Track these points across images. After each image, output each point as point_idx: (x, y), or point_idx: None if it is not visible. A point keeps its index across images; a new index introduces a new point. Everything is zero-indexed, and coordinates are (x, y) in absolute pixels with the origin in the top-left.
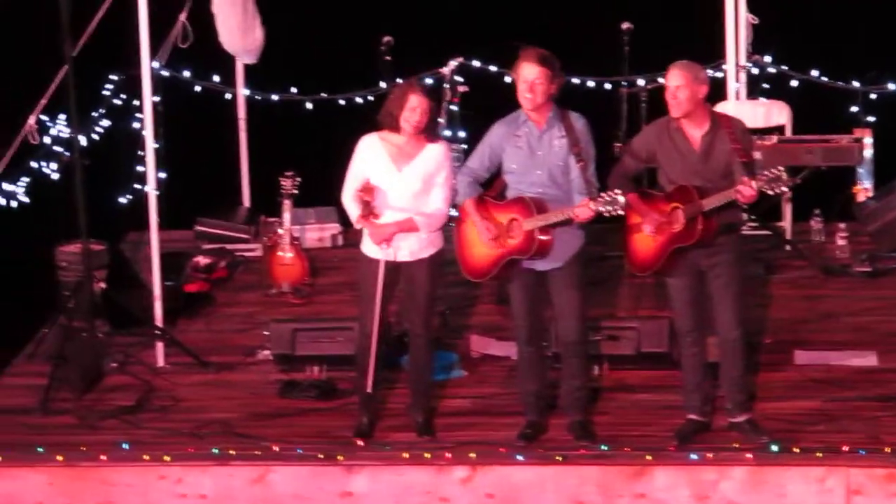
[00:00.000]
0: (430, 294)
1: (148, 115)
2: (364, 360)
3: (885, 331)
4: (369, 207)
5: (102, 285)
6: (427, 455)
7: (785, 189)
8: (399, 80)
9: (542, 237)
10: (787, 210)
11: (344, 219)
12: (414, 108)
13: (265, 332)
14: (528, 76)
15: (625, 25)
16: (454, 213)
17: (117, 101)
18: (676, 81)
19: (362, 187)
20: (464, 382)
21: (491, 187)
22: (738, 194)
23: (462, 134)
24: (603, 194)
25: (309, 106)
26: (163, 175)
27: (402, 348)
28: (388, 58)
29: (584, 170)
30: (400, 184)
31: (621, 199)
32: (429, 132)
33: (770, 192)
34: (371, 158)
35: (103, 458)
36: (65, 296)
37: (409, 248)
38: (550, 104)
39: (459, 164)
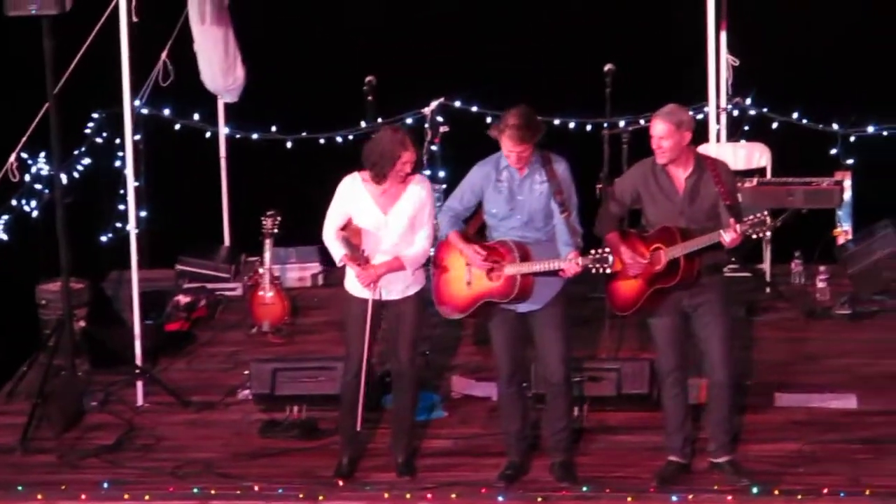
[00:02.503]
0: (416, 330)
1: (129, 153)
2: (352, 399)
3: (866, 373)
4: (357, 250)
5: (83, 324)
6: (408, 495)
7: (769, 233)
8: (380, 121)
9: (523, 283)
10: (768, 252)
11: (325, 258)
12: (405, 162)
13: (246, 372)
14: (513, 149)
15: (607, 67)
16: (431, 252)
17: (99, 140)
18: (660, 131)
19: (348, 230)
20: (445, 423)
21: (469, 224)
22: (722, 238)
23: (442, 174)
24: (592, 252)
25: (290, 145)
26: (144, 213)
27: (385, 388)
28: (370, 97)
29: (569, 219)
30: (387, 227)
31: (611, 258)
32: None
33: (754, 237)
34: (355, 200)
35: (83, 497)
36: (45, 334)
37: (396, 287)
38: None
39: (440, 203)
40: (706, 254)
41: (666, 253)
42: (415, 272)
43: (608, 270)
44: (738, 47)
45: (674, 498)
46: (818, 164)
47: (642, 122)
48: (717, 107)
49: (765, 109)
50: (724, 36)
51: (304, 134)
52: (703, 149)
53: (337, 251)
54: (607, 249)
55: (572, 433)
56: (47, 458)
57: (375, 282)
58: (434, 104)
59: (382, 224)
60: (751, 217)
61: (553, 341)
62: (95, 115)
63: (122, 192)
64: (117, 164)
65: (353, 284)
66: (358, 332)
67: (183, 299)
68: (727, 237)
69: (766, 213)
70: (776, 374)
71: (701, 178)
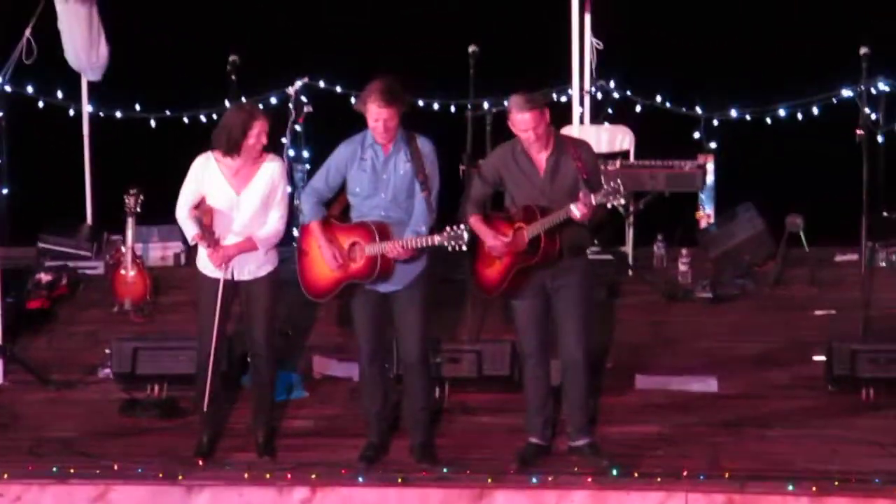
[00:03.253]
0: (270, 312)
1: None
2: (202, 378)
3: (726, 356)
4: (208, 230)
5: None
6: (268, 475)
7: (623, 201)
8: (235, 101)
9: (383, 263)
10: (630, 235)
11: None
12: (259, 133)
13: (107, 351)
14: (378, 116)
15: (471, 48)
16: (296, 232)
17: None
18: (531, 121)
19: (200, 209)
20: (306, 403)
21: (333, 205)
22: (572, 212)
23: (306, 154)
24: (448, 228)
25: (153, 123)
26: (5, 191)
27: (244, 367)
28: (233, 77)
29: (428, 198)
30: (239, 207)
31: (465, 234)
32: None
33: (609, 205)
34: (207, 180)
35: None
36: None
37: (248, 268)
38: (398, 127)
39: (304, 183)
40: (568, 234)
41: (527, 231)
42: (267, 252)
43: (463, 247)
44: (602, 30)
45: (534, 479)
46: (681, 148)
47: (506, 103)
48: (581, 89)
49: (628, 92)
50: (588, 18)
51: (167, 113)
52: (566, 131)
53: (189, 230)
54: (462, 226)
55: (431, 414)
56: None
57: (227, 262)
58: (298, 84)
59: (235, 204)
60: (604, 186)
61: (412, 322)
62: None
63: None
64: None
65: (205, 264)
66: (209, 312)
67: (44, 277)
68: (577, 211)
69: (619, 181)
70: (637, 356)
71: (561, 158)
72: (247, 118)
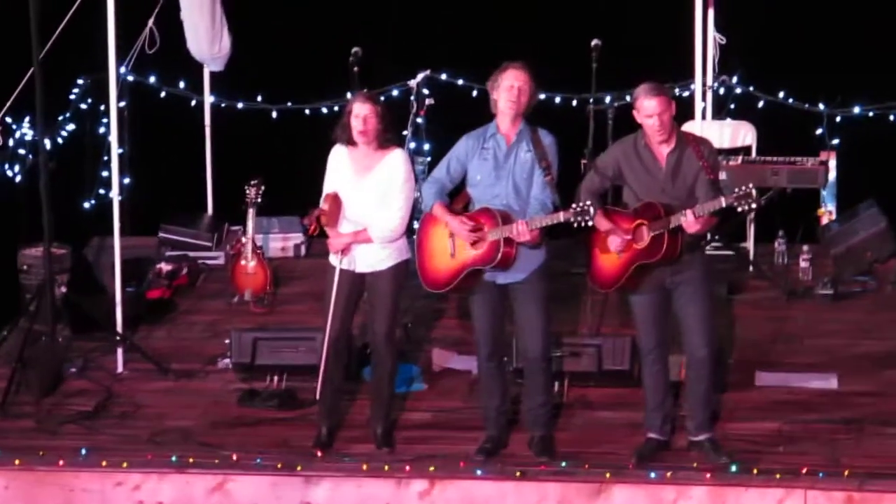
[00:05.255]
0: (391, 305)
1: (114, 119)
2: (328, 368)
3: (847, 354)
4: (325, 215)
5: (64, 289)
6: (386, 467)
7: (754, 206)
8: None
9: (506, 248)
10: (751, 231)
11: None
12: (357, 115)
13: (226, 341)
14: (515, 81)
15: (593, 42)
16: (416, 224)
17: (83, 105)
18: (659, 107)
19: (326, 196)
20: (425, 396)
21: (454, 201)
22: (688, 222)
23: (427, 147)
24: (574, 205)
25: (275, 115)
26: (127, 180)
27: (365, 359)
28: (356, 68)
29: (551, 183)
30: (358, 194)
31: (592, 210)
32: (383, 140)
33: (740, 210)
34: (336, 169)
35: (61, 462)
36: (26, 299)
37: (367, 260)
38: (521, 119)
39: (424, 175)
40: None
41: (649, 228)
42: (391, 245)
43: (590, 223)
44: (724, 25)
45: (652, 475)
46: (803, 144)
47: (628, 98)
48: (703, 84)
49: (751, 88)
50: (711, 13)
51: (289, 104)
52: (688, 126)
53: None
54: (588, 202)
55: (551, 408)
56: (25, 424)
57: (341, 249)
58: (420, 76)
59: (353, 188)
60: (736, 190)
61: (533, 316)
62: (80, 81)
63: (105, 158)
64: (102, 130)
65: (332, 254)
66: (327, 300)
67: (165, 267)
68: (690, 224)
69: (751, 185)
70: (757, 353)
71: (683, 154)
72: (349, 103)
